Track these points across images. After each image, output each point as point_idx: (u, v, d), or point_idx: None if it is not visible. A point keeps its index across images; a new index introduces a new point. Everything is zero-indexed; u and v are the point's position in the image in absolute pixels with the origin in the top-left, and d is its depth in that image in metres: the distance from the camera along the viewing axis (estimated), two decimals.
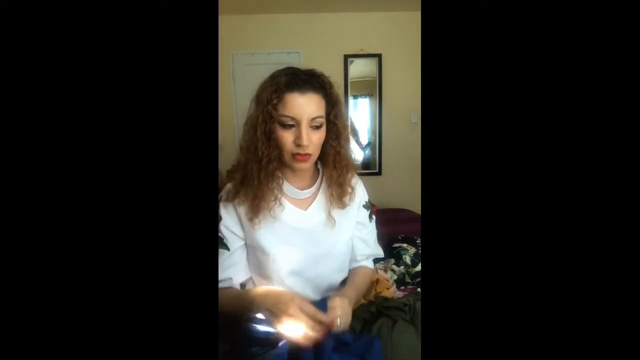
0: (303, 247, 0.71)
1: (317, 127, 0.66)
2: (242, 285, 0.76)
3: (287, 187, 0.72)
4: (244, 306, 0.67)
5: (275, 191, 0.69)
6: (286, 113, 0.63)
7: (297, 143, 0.64)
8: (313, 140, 0.65)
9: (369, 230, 0.83)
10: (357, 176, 0.80)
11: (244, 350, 0.73)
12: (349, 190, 0.75)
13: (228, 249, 0.72)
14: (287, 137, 0.64)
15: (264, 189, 0.67)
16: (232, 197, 0.70)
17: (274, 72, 0.68)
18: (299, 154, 0.65)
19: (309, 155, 0.66)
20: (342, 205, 0.74)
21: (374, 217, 0.84)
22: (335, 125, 0.70)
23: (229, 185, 0.74)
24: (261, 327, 0.71)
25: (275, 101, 0.63)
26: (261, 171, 0.67)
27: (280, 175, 0.71)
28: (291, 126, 0.64)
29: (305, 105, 0.64)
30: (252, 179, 0.67)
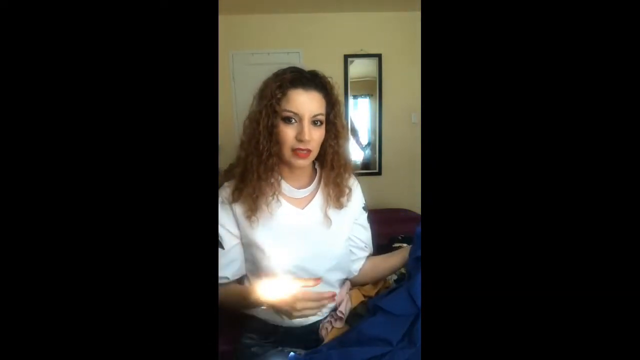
0: (299, 246, 0.72)
1: (318, 125, 0.67)
2: (239, 282, 0.77)
3: (285, 185, 0.73)
4: (244, 304, 0.67)
5: (272, 187, 0.70)
6: (289, 108, 0.65)
7: (299, 138, 0.65)
8: (314, 136, 0.66)
9: (367, 234, 0.84)
10: (354, 177, 0.80)
11: (244, 351, 0.73)
12: (347, 190, 0.76)
13: (223, 247, 0.72)
14: (289, 132, 0.65)
15: (263, 184, 0.68)
16: (236, 198, 0.70)
17: (278, 70, 0.69)
18: (299, 149, 0.66)
19: (309, 151, 0.67)
20: (340, 205, 0.75)
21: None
22: (334, 125, 0.72)
23: (226, 184, 0.74)
24: (264, 322, 0.71)
25: (279, 96, 0.65)
26: (260, 165, 0.67)
27: (277, 173, 0.71)
28: (293, 121, 0.65)
29: (308, 102, 0.65)
30: (251, 172, 0.68)
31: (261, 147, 0.67)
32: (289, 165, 0.70)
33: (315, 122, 0.67)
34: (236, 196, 0.70)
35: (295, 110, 0.65)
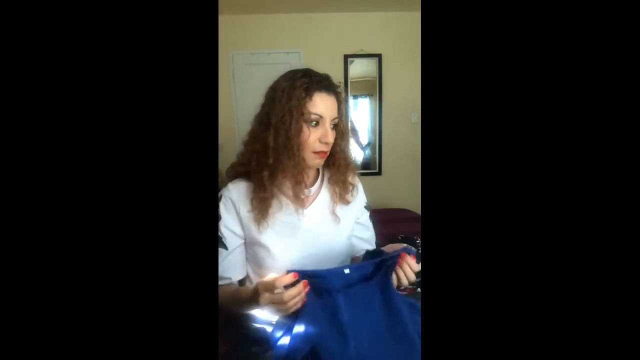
0: (303, 245, 0.72)
1: (334, 127, 0.70)
2: (241, 283, 0.77)
3: (288, 186, 0.73)
4: (242, 303, 0.67)
5: (280, 187, 0.71)
6: (314, 111, 0.66)
7: (323, 141, 0.67)
8: (332, 139, 0.69)
9: (371, 233, 0.84)
10: (357, 177, 0.81)
11: (244, 351, 0.73)
12: (351, 187, 0.77)
13: (226, 248, 0.72)
14: (311, 134, 0.67)
15: (269, 185, 0.69)
16: (245, 199, 0.70)
17: (287, 74, 0.69)
18: (322, 151, 0.68)
19: (326, 153, 0.69)
20: (346, 202, 0.77)
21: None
22: (340, 126, 0.73)
23: (230, 185, 0.74)
24: (261, 326, 0.71)
25: (305, 99, 0.66)
26: (267, 167, 0.68)
27: (282, 173, 0.71)
28: (316, 124, 0.67)
29: (330, 105, 0.67)
30: (257, 173, 0.68)
31: (285, 147, 0.67)
32: (302, 166, 0.70)
33: (332, 125, 0.69)
34: (244, 198, 0.71)
35: (320, 113, 0.66)
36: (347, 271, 0.57)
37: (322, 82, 0.67)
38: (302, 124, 0.66)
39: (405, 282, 0.59)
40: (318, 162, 0.70)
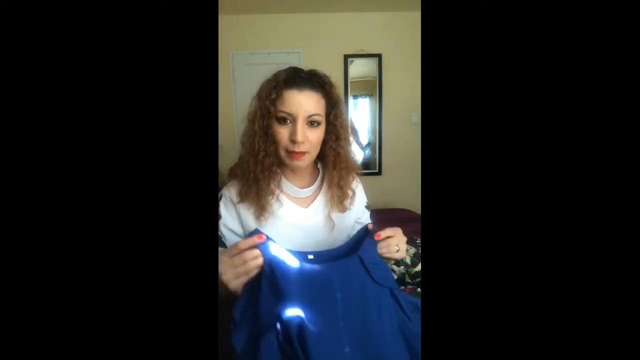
0: (303, 245, 0.72)
1: (315, 126, 0.66)
2: None
3: (287, 185, 0.73)
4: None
5: (272, 187, 0.70)
6: (283, 109, 0.64)
7: (292, 139, 0.64)
8: (309, 137, 0.66)
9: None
10: (357, 178, 0.80)
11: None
12: (350, 193, 0.76)
13: (225, 247, 0.72)
14: (282, 133, 0.65)
15: (262, 184, 0.68)
16: (243, 199, 0.70)
17: (277, 71, 0.69)
18: (293, 151, 0.65)
19: (303, 153, 0.66)
20: (343, 208, 0.75)
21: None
22: (334, 127, 0.71)
23: (229, 185, 0.74)
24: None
25: (273, 96, 0.65)
26: (257, 165, 0.67)
27: (279, 172, 0.71)
28: (287, 122, 0.65)
29: (302, 102, 0.64)
30: (248, 172, 0.68)
31: (257, 147, 0.66)
32: (288, 166, 0.70)
33: (311, 123, 0.66)
34: (242, 197, 0.70)
35: (289, 111, 0.64)
36: (310, 257, 0.59)
37: (294, 79, 0.65)
38: (273, 122, 0.66)
39: (393, 249, 0.61)
40: (296, 162, 0.67)
